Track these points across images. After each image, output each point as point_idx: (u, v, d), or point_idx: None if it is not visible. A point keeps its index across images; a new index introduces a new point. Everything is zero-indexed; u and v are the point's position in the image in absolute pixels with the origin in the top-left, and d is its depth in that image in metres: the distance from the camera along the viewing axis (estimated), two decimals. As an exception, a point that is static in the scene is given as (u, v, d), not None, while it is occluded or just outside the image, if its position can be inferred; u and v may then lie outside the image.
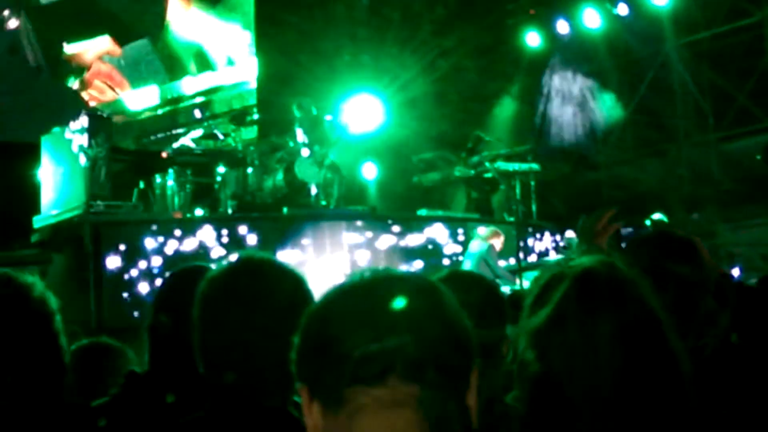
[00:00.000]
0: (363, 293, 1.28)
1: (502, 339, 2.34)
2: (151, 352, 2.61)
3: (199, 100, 14.56)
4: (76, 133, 10.41)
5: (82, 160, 10.22)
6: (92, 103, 12.59)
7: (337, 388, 1.24)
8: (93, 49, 14.12)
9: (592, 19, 16.70)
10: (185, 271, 2.70)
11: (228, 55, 14.98)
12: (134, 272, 9.84)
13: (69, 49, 13.97)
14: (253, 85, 14.55)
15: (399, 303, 1.25)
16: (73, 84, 14.18)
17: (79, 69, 14.12)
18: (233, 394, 1.87)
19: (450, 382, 1.26)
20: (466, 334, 1.30)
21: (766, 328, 2.80)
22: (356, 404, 1.23)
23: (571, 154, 17.90)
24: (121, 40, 14.38)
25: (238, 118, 12.59)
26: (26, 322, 1.96)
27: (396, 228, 11.47)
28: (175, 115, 14.63)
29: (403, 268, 11.31)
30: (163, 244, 10.06)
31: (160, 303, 2.63)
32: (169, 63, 14.92)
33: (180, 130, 13.69)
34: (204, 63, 14.98)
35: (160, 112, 14.52)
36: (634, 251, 2.70)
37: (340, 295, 1.30)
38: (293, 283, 1.97)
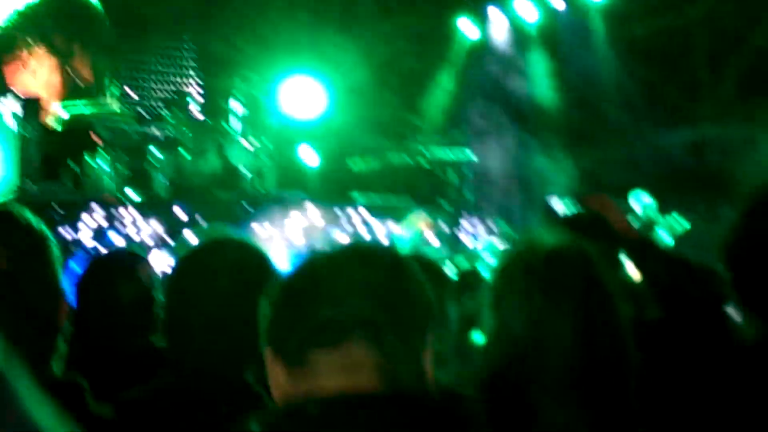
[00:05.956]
0: (328, 263, 1.38)
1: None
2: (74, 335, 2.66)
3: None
4: (7, 114, 10.28)
5: (14, 141, 10.10)
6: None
7: (299, 351, 1.32)
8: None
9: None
10: (110, 257, 2.78)
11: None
12: (65, 254, 9.75)
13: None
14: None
15: (360, 271, 1.34)
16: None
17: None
18: (194, 366, 1.98)
19: (407, 346, 1.34)
20: (425, 299, 1.38)
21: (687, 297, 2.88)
22: (317, 366, 1.31)
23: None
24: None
25: (174, 102, 12.39)
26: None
27: (329, 213, 11.52)
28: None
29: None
30: (95, 227, 10.00)
31: (85, 287, 2.70)
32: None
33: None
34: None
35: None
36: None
37: (308, 266, 1.39)
38: (258, 258, 2.09)
